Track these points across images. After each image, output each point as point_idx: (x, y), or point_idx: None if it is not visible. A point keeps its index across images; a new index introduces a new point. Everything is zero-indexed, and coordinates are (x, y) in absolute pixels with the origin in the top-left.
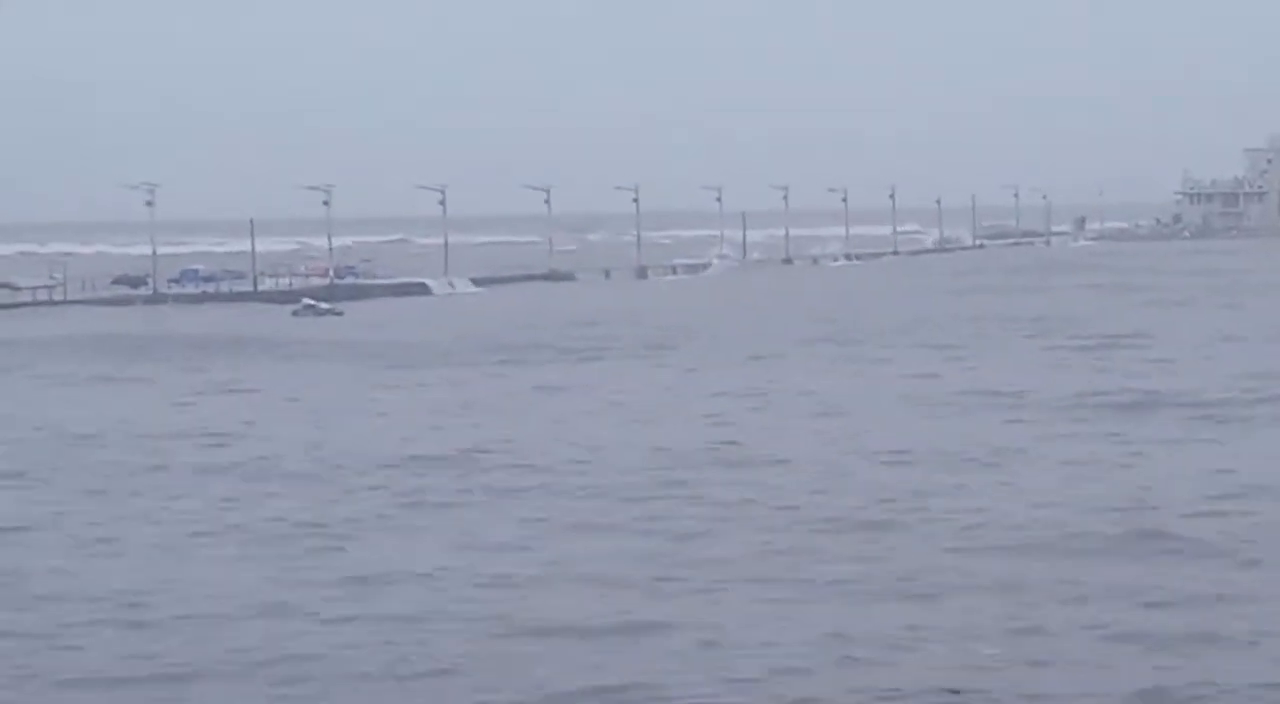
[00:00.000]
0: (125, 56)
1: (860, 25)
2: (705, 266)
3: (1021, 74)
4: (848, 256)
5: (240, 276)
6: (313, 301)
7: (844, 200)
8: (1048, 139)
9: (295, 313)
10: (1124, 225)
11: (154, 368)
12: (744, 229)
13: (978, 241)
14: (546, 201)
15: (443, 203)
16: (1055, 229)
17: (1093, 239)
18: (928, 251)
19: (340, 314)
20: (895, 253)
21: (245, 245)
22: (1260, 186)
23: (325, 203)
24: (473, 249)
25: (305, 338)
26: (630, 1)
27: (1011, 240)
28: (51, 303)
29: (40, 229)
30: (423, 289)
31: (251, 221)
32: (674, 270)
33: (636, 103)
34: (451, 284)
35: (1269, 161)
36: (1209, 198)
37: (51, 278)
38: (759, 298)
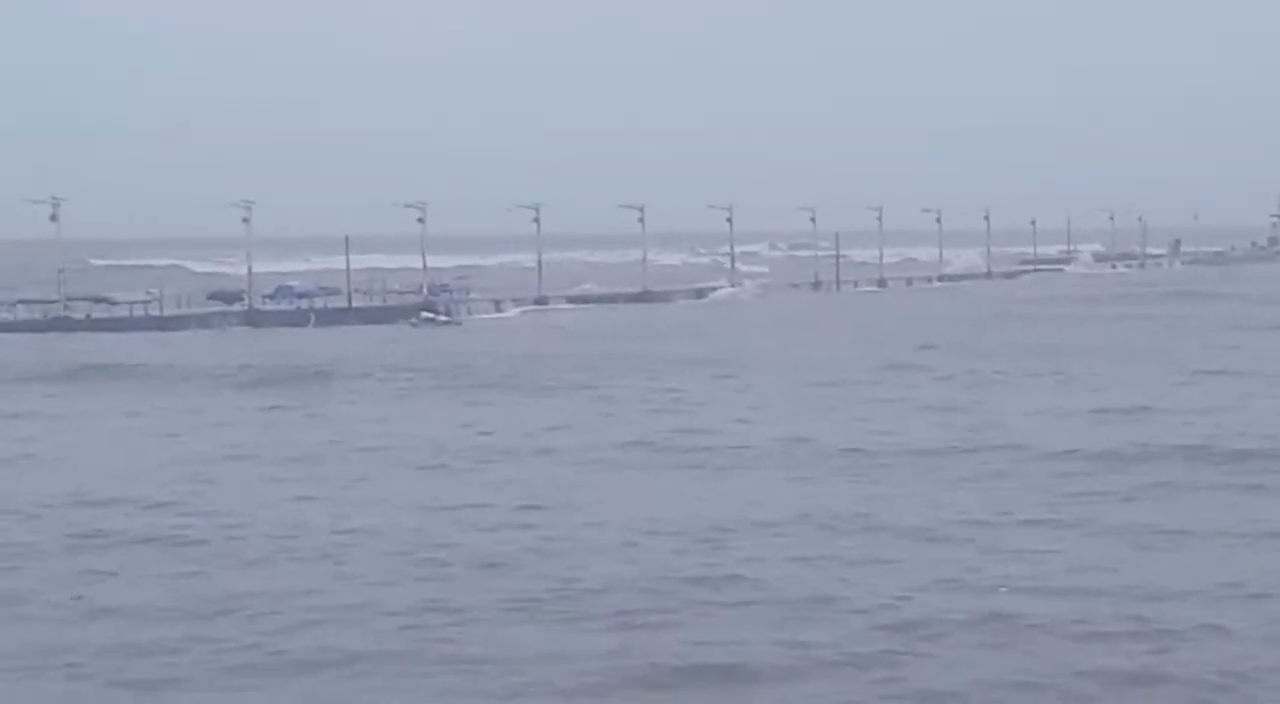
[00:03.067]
0: (223, 81)
1: (957, 51)
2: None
3: (1118, 95)
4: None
5: (334, 292)
6: (431, 314)
7: (938, 221)
8: (1144, 162)
9: (414, 324)
10: (1220, 249)
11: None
12: (837, 247)
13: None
14: (640, 220)
15: (537, 220)
16: (1151, 252)
17: (1188, 262)
18: (1017, 273)
19: (460, 324)
20: (989, 275)
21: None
22: None
23: (420, 220)
24: (571, 266)
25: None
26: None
27: (1107, 264)
28: (148, 317)
29: (142, 245)
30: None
31: (346, 239)
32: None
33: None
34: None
35: None
36: None
37: (148, 293)
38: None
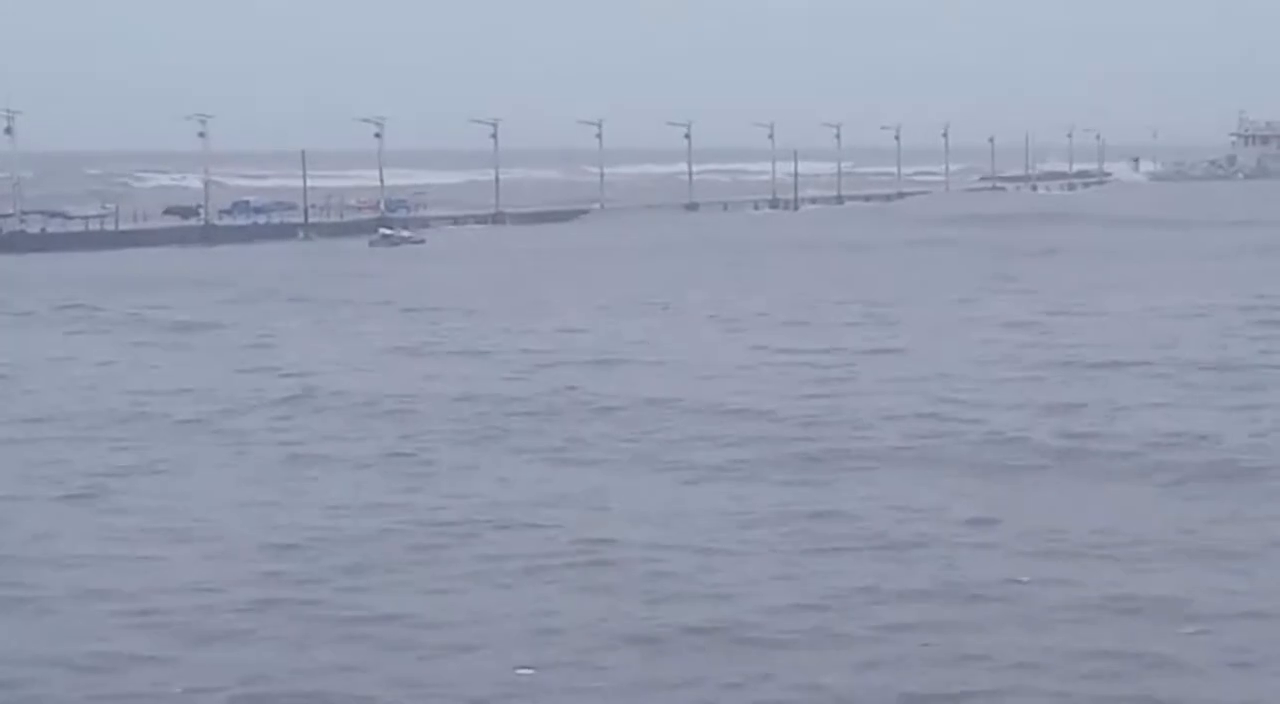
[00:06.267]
0: None
1: None
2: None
3: (1077, 10)
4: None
5: (291, 208)
6: (389, 230)
7: (896, 138)
8: (1102, 78)
9: (372, 243)
10: (1178, 167)
11: None
12: (795, 165)
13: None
14: (598, 136)
15: (494, 136)
16: (1109, 169)
17: (1146, 180)
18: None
19: (422, 242)
20: (947, 189)
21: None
22: None
23: (377, 135)
24: (525, 185)
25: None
26: None
27: (1065, 181)
28: (104, 232)
29: (99, 158)
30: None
31: (303, 154)
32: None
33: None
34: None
35: None
36: (1264, 140)
37: (104, 207)
38: None
